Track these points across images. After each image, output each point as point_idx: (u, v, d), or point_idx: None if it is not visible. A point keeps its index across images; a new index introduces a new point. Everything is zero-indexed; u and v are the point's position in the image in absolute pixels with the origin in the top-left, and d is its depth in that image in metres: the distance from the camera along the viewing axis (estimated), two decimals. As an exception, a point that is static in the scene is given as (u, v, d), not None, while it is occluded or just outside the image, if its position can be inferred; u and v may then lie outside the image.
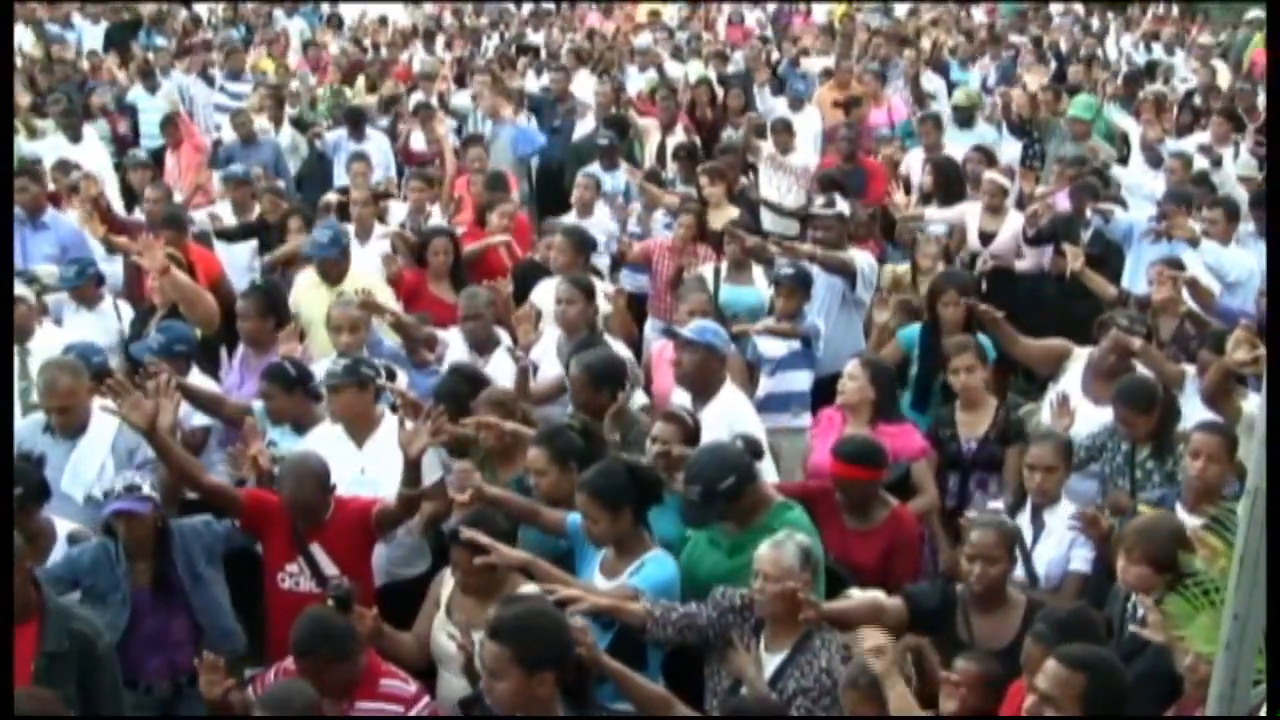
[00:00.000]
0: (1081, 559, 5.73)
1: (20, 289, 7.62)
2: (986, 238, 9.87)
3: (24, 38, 19.82)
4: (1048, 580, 5.75)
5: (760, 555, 4.81)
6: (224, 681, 4.85)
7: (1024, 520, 5.88)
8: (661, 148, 12.45)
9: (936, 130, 11.99)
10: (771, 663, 4.80)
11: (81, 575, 5.27)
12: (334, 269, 8.10)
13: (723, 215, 9.72)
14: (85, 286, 8.20)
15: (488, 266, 8.84)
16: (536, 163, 13.31)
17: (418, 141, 13.09)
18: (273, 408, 6.49)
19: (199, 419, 6.87)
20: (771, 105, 13.60)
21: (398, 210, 10.35)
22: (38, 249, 9.40)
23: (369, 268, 8.45)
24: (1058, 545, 5.80)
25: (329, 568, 5.52)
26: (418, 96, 14.50)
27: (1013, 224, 9.76)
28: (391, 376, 6.67)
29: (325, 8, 23.31)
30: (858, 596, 5.07)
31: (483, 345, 7.35)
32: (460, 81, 15.72)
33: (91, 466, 6.02)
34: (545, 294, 7.95)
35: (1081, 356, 7.02)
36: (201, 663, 4.88)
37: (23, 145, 13.27)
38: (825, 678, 4.70)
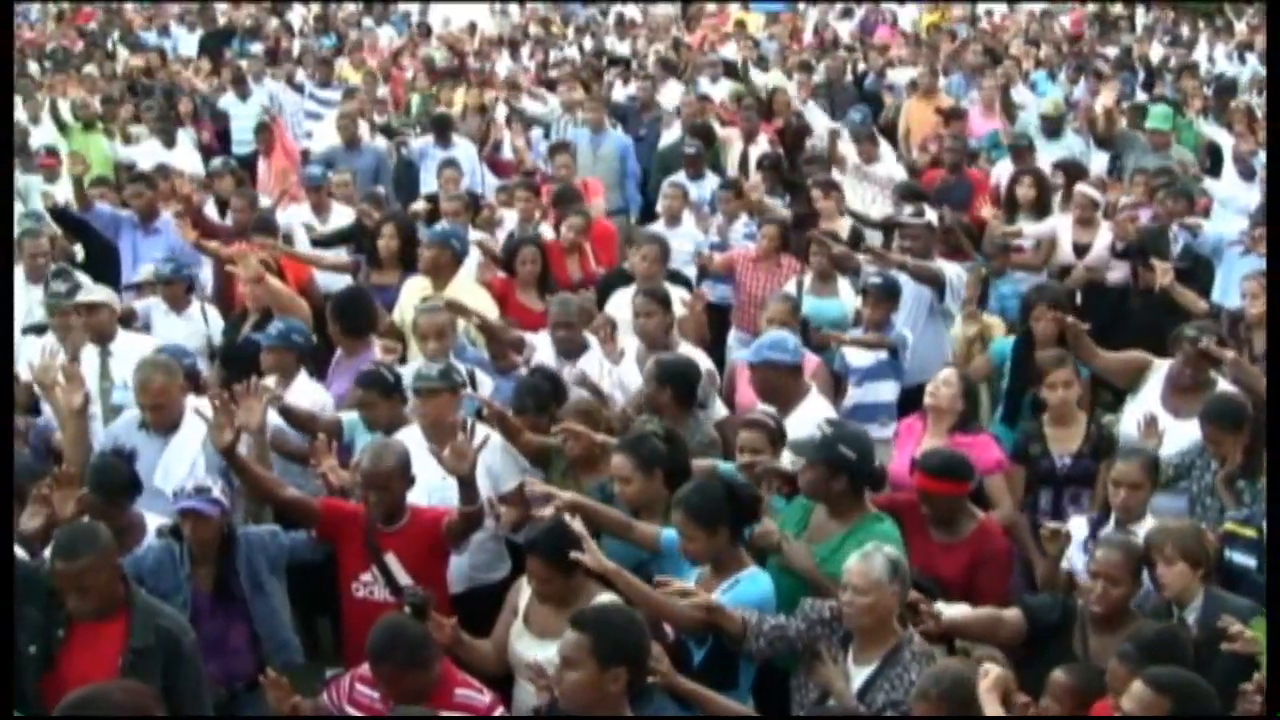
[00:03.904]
0: (1157, 575, 5.62)
1: (107, 294, 7.76)
2: (1081, 250, 9.75)
3: (121, 47, 20.28)
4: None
5: (849, 567, 4.77)
6: (289, 696, 4.91)
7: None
8: (744, 157, 12.41)
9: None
10: (860, 675, 4.75)
11: (145, 575, 5.28)
12: (444, 273, 8.14)
13: (836, 227, 9.70)
14: (175, 285, 8.30)
15: (557, 279, 8.85)
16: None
17: (505, 150, 13.17)
18: (371, 414, 6.49)
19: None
20: (819, 122, 13.47)
21: (509, 219, 10.39)
22: (148, 253, 9.62)
23: (464, 274, 8.47)
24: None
25: (402, 577, 5.53)
26: (503, 105, 14.59)
27: (1106, 236, 9.65)
28: (474, 383, 6.70)
29: (414, 16, 23.54)
30: (945, 610, 5.03)
31: (571, 353, 7.36)
32: (550, 88, 15.79)
33: (183, 464, 6.08)
34: (621, 304, 7.96)
35: (1161, 369, 6.89)
36: (267, 679, 4.92)
37: (119, 150, 13.56)
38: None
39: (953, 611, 4.97)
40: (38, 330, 7.97)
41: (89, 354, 7.42)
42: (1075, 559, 5.78)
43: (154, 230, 9.80)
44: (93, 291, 7.69)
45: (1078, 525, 5.95)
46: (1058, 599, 5.27)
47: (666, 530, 5.30)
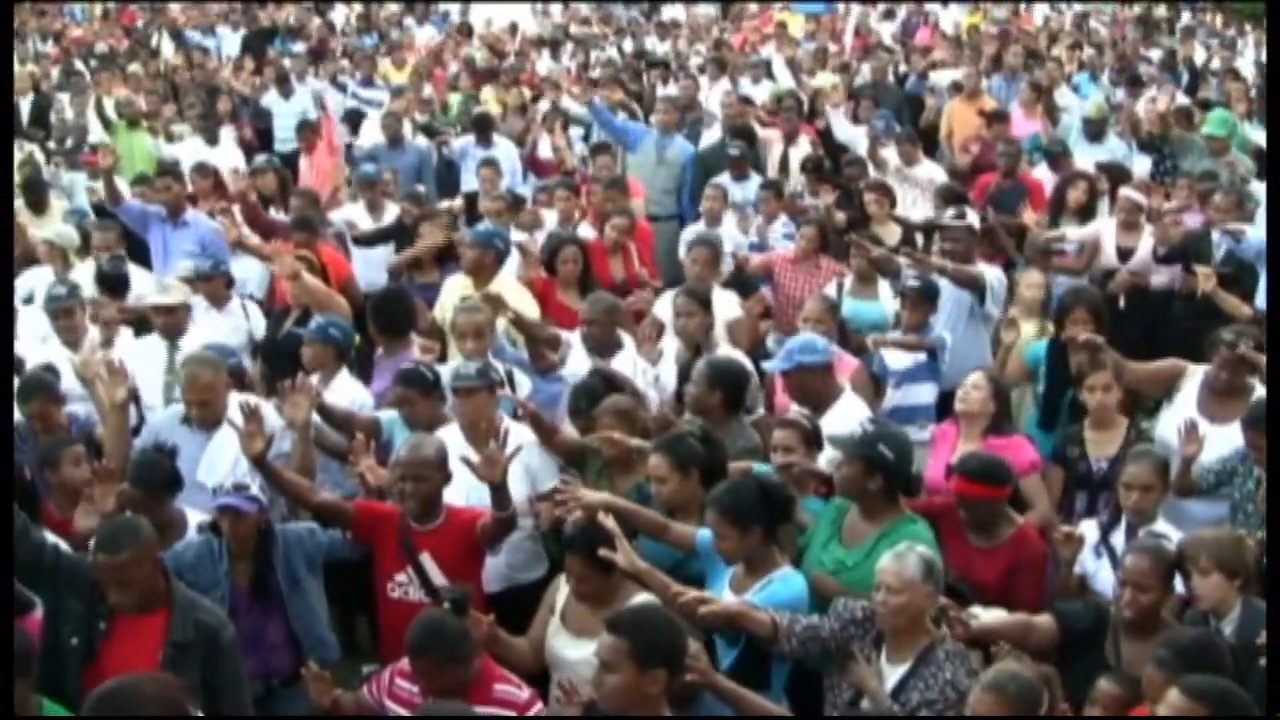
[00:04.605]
0: (1191, 587, 5.57)
1: (184, 294, 7.83)
2: (1125, 254, 9.69)
3: (166, 45, 20.46)
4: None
5: (882, 567, 4.76)
6: (330, 690, 4.95)
7: (1118, 540, 5.78)
8: (784, 158, 12.39)
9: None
10: (894, 675, 4.74)
11: (184, 570, 5.30)
12: (486, 273, 8.17)
13: (886, 232, 9.67)
14: (215, 280, 8.36)
15: (598, 278, 8.87)
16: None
17: (545, 149, 13.19)
18: (411, 412, 6.50)
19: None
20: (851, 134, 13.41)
21: (549, 219, 10.41)
22: (178, 246, 9.72)
23: (506, 273, 8.49)
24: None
25: (438, 577, 5.54)
26: (544, 104, 14.62)
27: (1150, 240, 9.57)
28: (512, 382, 6.71)
29: (455, 16, 23.62)
30: (982, 615, 5.01)
31: (602, 350, 7.36)
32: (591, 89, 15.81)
33: (226, 459, 6.13)
34: (664, 305, 7.96)
35: (1196, 375, 6.82)
36: (308, 672, 4.96)
37: (162, 148, 13.68)
38: (950, 690, 4.61)
39: (985, 617, 4.95)
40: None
41: (156, 348, 7.52)
42: (1088, 562, 5.76)
43: (182, 224, 9.90)
44: (171, 292, 7.78)
45: (1089, 529, 5.92)
46: (1090, 605, 5.24)
47: (702, 530, 5.30)
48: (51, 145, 13.75)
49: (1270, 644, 4.51)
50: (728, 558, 5.15)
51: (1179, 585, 5.43)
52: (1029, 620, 4.99)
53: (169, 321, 7.61)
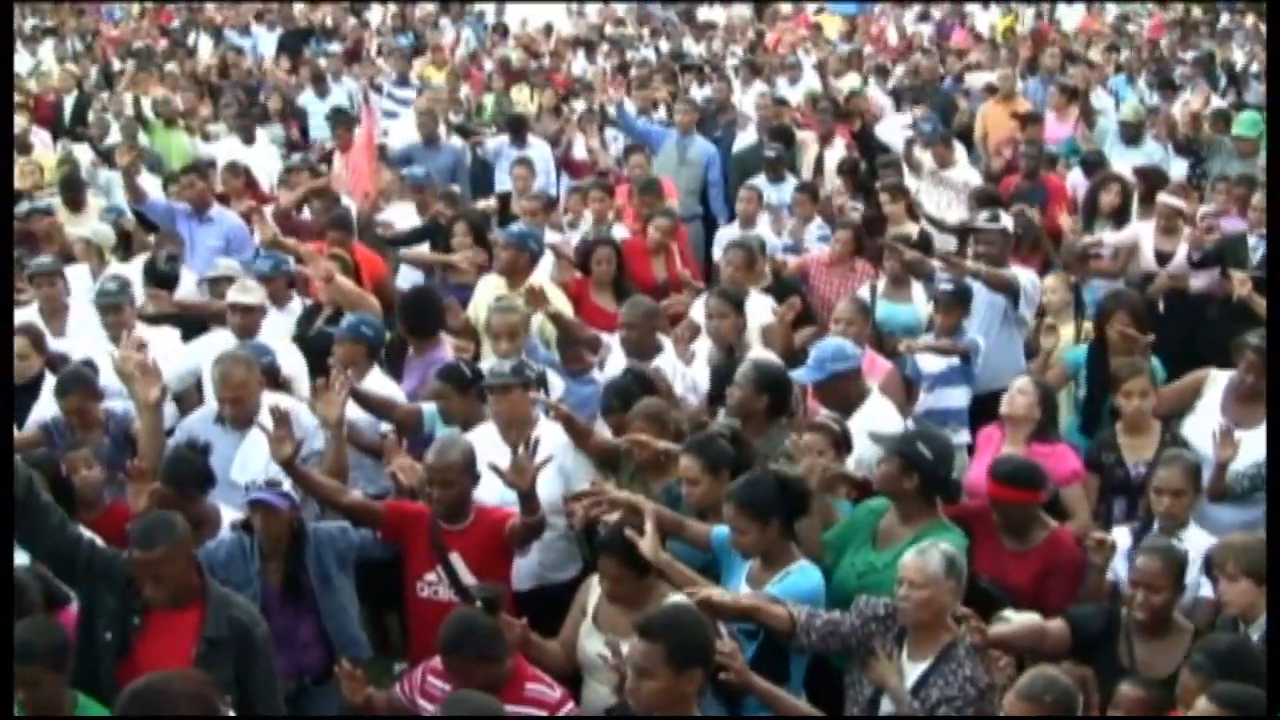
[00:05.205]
0: (1220, 592, 5.54)
1: (260, 296, 7.86)
2: (1164, 258, 9.63)
3: (203, 45, 20.59)
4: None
5: (905, 562, 4.78)
6: (363, 688, 4.97)
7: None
8: (819, 160, 12.36)
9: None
10: (914, 672, 4.75)
11: (216, 568, 5.32)
12: (521, 274, 8.18)
13: (903, 232, 9.65)
14: (276, 280, 8.35)
15: (635, 279, 8.88)
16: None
17: (579, 150, 13.19)
18: (447, 408, 6.53)
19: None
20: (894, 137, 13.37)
21: (584, 220, 10.42)
22: (203, 241, 9.84)
23: (539, 274, 8.49)
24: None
25: (467, 577, 5.56)
26: (579, 105, 14.63)
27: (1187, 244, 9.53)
28: (543, 384, 6.73)
29: (489, 17, 23.67)
30: (1014, 618, 5.00)
31: (640, 354, 7.35)
32: (626, 90, 15.82)
33: (259, 458, 6.14)
34: (699, 307, 7.93)
35: (1220, 379, 6.78)
36: (341, 670, 4.98)
37: (199, 147, 13.78)
38: (969, 687, 4.64)
39: (1000, 625, 4.94)
40: (151, 320, 8.13)
41: (226, 345, 7.48)
42: (1120, 568, 5.71)
43: (207, 219, 9.98)
44: (250, 292, 7.82)
45: (1121, 535, 5.89)
46: (1102, 608, 5.23)
47: (716, 528, 5.34)
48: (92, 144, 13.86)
49: (1270, 644, 4.51)
50: (746, 551, 5.17)
51: (1208, 589, 5.43)
52: (1042, 626, 5.00)
53: (245, 321, 7.63)
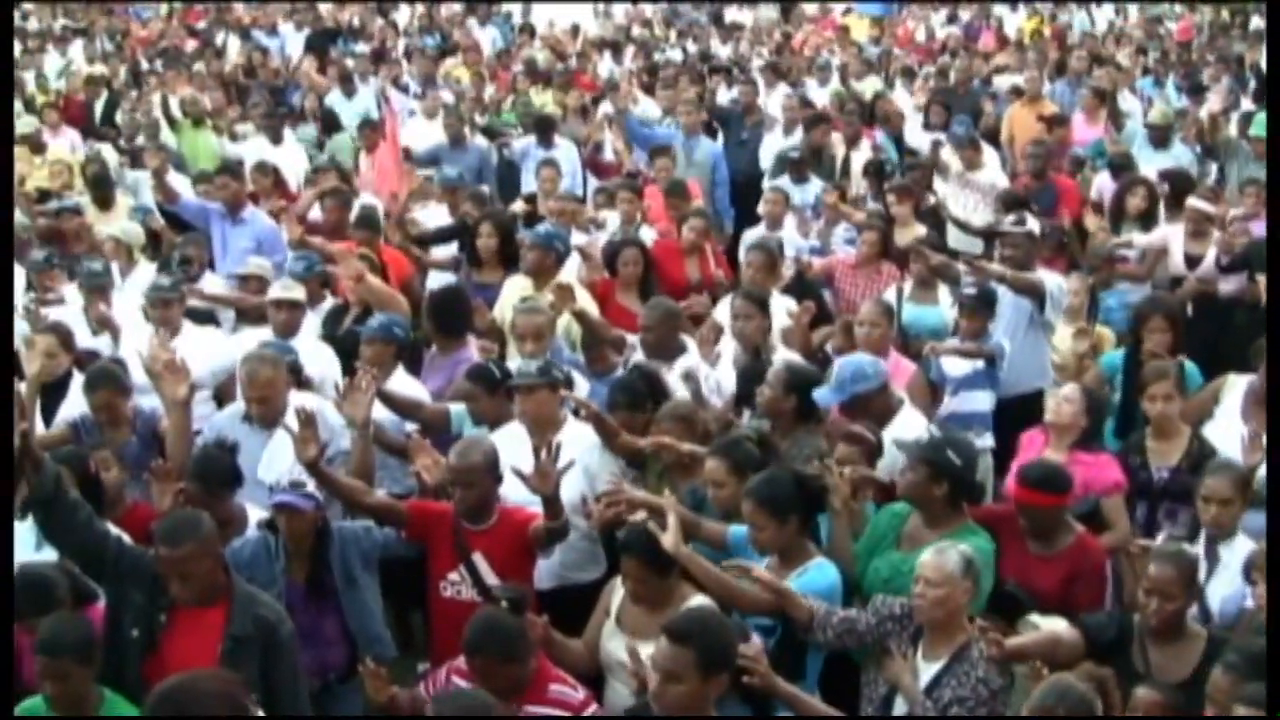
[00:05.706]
0: (1257, 595, 5.51)
1: (299, 291, 7.88)
2: (1193, 261, 9.60)
3: (230, 45, 20.68)
4: (1222, 617, 5.53)
5: (923, 561, 4.80)
6: (387, 687, 4.98)
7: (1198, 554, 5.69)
8: (846, 162, 12.33)
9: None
10: (928, 671, 4.77)
11: (241, 567, 5.32)
12: (547, 275, 8.18)
13: (909, 233, 9.61)
14: (309, 281, 8.35)
15: (669, 280, 8.87)
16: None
17: (606, 151, 13.19)
18: (476, 408, 6.55)
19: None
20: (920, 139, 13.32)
21: (611, 221, 10.42)
22: (236, 243, 9.84)
23: (566, 275, 8.48)
24: (1232, 581, 5.56)
25: (490, 577, 5.56)
26: (605, 106, 14.63)
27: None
28: (570, 384, 6.73)
29: (516, 17, 23.71)
30: (1040, 624, 4.99)
31: (659, 355, 7.34)
32: (649, 91, 15.82)
33: (286, 457, 6.12)
34: (724, 309, 7.94)
35: (1239, 383, 6.79)
36: (365, 668, 5.00)
37: (226, 146, 13.84)
38: (982, 687, 4.66)
39: (1013, 639, 4.94)
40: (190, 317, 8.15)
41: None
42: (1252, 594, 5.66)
43: (241, 220, 10.01)
44: (292, 289, 7.85)
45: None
46: (1114, 615, 5.24)
47: (733, 527, 5.36)
48: (122, 144, 13.94)
49: (1270, 644, 4.50)
50: (764, 548, 5.19)
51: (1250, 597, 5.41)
52: (1056, 636, 5.00)
53: (288, 318, 7.66)
